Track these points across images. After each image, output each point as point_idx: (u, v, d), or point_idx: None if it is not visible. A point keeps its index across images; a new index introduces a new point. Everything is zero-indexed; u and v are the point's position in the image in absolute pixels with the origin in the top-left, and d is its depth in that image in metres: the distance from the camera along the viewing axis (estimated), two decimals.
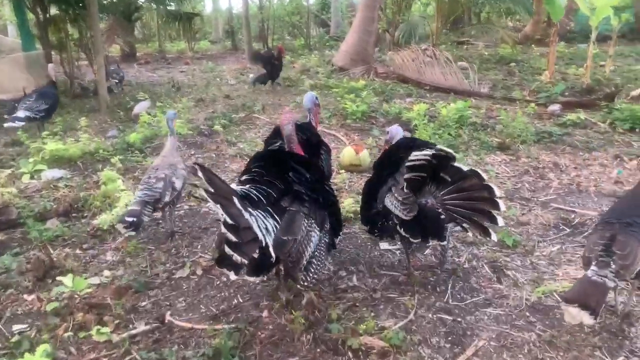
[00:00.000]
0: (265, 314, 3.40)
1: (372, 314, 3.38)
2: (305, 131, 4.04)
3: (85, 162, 6.34)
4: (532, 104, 8.89)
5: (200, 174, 2.47)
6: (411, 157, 3.14)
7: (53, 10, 11.74)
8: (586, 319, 2.78)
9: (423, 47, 15.42)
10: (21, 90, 8.14)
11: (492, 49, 18.13)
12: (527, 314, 3.40)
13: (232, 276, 2.75)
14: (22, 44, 11.85)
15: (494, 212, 3.21)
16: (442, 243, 3.41)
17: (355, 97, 9.13)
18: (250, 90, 11.43)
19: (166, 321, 3.37)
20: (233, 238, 2.51)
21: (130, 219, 3.90)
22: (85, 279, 3.70)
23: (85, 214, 5.01)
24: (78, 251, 4.36)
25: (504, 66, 14.19)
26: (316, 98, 4.48)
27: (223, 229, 2.51)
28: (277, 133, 3.97)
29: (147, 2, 18.90)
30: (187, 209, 5.17)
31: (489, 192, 3.19)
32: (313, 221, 2.95)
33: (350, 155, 6.01)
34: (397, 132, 4.06)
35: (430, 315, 3.38)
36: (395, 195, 3.28)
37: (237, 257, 2.55)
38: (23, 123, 7.10)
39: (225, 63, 17.81)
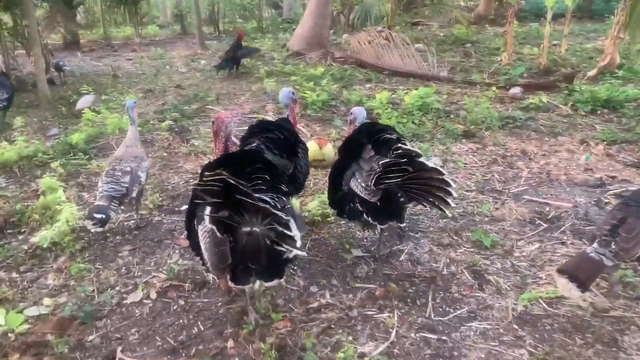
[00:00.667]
0: (230, 344, 2.99)
1: (350, 337, 3.03)
2: (283, 129, 3.87)
3: (22, 167, 5.70)
4: (493, 88, 8.68)
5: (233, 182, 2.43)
6: (388, 161, 3.30)
7: None
8: (574, 291, 2.91)
9: (378, 30, 15.17)
10: None
11: (447, 29, 17.98)
12: (515, 326, 3.12)
13: (257, 285, 2.74)
14: None
15: (448, 188, 3.27)
16: (401, 225, 3.64)
17: (314, 85, 8.71)
18: (202, 79, 10.83)
19: (117, 359, 2.94)
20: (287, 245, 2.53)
21: (99, 216, 3.82)
22: (22, 310, 3.24)
23: (23, 230, 4.45)
24: (14, 274, 3.82)
25: (459, 47, 14.03)
26: (293, 93, 4.34)
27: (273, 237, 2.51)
28: (251, 132, 3.91)
29: None
30: (137, 219, 4.68)
31: (439, 172, 3.29)
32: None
33: (313, 149, 5.61)
34: (360, 113, 4.11)
35: (412, 334, 3.06)
36: (359, 180, 3.47)
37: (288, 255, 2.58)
38: None
39: (175, 49, 16.96)
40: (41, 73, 8.63)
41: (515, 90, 8.60)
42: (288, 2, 23.64)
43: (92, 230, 3.90)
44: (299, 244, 2.52)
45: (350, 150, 3.71)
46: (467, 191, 5.11)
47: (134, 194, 4.13)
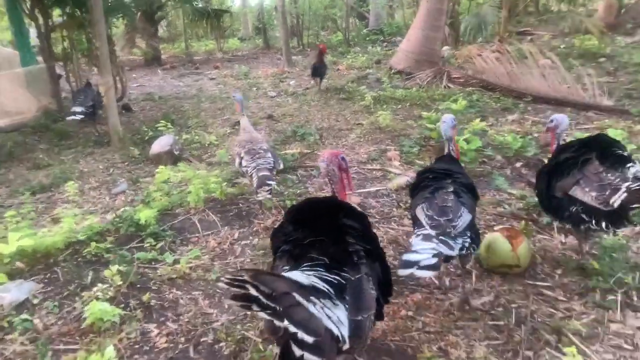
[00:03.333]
0: None
1: None
2: (452, 168, 3.21)
3: (68, 261, 3.81)
4: None
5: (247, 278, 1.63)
6: None
7: (56, 15, 9.33)
8: None
9: (493, 45, 12.77)
10: (23, 111, 8.19)
11: (561, 39, 15.21)
12: None
13: None
14: (20, 57, 9.46)
15: None
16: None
17: (432, 116, 6.44)
18: (295, 106, 8.86)
19: None
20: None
21: (272, 183, 4.02)
22: None
23: None
24: None
25: (592, 63, 11.29)
26: (454, 120, 3.46)
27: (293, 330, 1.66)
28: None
29: (171, 0, 16.31)
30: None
31: None
32: (371, 280, 2.14)
33: (502, 249, 3.41)
34: (562, 120, 3.71)
35: None
36: (587, 190, 3.22)
37: None
38: (82, 116, 7.14)
39: (259, 66, 15.25)
40: (112, 106, 6.92)
41: None
42: (375, 12, 21.47)
43: (262, 198, 4.05)
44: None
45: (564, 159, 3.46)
46: None
47: (281, 166, 4.50)
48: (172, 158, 6.06)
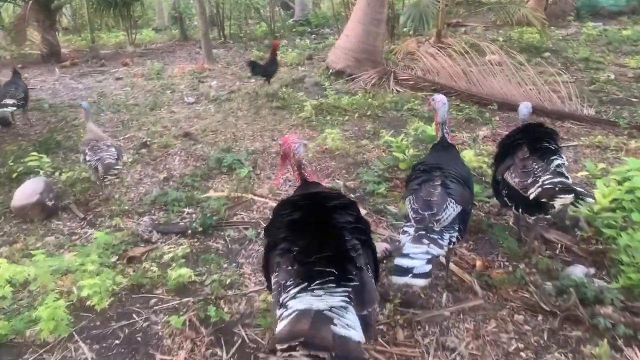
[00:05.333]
0: None
1: None
2: (445, 159, 3.13)
3: None
4: None
5: None
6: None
7: None
8: None
9: (429, 38, 11.56)
10: None
11: (493, 31, 14.34)
12: None
13: None
14: None
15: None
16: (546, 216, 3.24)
17: (400, 141, 4.94)
18: (220, 117, 7.05)
19: None
20: None
21: (117, 167, 4.24)
22: None
23: None
24: None
25: (537, 57, 10.28)
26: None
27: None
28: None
29: None
30: None
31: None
32: (370, 268, 2.18)
33: None
34: (525, 106, 3.74)
35: None
36: (513, 175, 3.21)
37: None
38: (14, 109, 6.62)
39: (175, 61, 13.12)
40: None
41: None
42: (300, 2, 19.71)
43: (109, 178, 4.33)
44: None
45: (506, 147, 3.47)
46: None
47: (122, 161, 4.54)
48: (43, 211, 4.15)
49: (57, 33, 14.74)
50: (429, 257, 2.41)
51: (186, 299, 3.00)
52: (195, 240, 3.75)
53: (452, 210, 2.66)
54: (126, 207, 4.30)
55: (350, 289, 1.94)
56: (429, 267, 2.37)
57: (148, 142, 5.90)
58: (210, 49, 12.00)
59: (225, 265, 3.42)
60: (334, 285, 1.94)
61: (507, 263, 3.38)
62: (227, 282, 3.14)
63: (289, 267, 2.02)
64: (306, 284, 1.93)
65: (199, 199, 4.36)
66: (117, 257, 3.44)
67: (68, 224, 4.14)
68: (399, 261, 2.41)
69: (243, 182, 4.65)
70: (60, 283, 2.89)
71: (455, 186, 2.79)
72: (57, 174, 4.82)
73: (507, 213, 3.93)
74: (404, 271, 2.36)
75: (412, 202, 2.77)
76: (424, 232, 2.54)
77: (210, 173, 4.90)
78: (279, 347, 1.66)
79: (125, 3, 15.74)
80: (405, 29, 12.23)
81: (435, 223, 2.59)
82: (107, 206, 4.35)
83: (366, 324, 1.91)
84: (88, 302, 2.87)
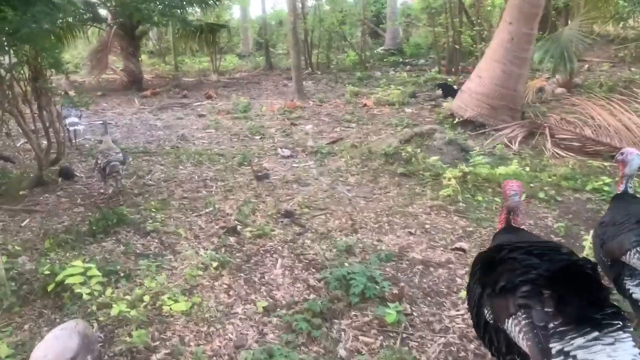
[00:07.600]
0: None
1: None
2: None
3: None
4: None
5: None
6: None
7: None
8: None
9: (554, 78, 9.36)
10: None
11: (620, 67, 11.83)
12: None
13: None
14: None
15: None
16: None
17: None
18: (326, 183, 5.28)
19: None
20: None
21: (120, 168, 4.80)
22: None
23: None
24: None
25: None
26: None
27: None
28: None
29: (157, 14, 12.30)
30: None
31: None
32: None
33: None
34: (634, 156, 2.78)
35: None
36: None
37: None
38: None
39: (262, 94, 11.66)
40: None
41: None
42: (392, 30, 17.93)
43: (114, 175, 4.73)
44: None
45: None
46: None
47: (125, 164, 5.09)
48: None
49: (140, 57, 13.74)
50: None
51: None
52: None
53: None
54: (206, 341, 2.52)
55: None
56: None
57: (239, 227, 4.17)
58: (301, 83, 10.40)
59: None
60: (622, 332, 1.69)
61: None
62: None
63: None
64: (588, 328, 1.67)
65: None
66: None
67: None
68: None
69: (394, 337, 2.74)
70: None
71: None
72: (107, 294, 3.07)
73: None
74: None
75: None
76: None
77: (334, 307, 3.03)
78: None
79: (211, 29, 14.64)
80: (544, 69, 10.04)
81: None
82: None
83: None
84: None
